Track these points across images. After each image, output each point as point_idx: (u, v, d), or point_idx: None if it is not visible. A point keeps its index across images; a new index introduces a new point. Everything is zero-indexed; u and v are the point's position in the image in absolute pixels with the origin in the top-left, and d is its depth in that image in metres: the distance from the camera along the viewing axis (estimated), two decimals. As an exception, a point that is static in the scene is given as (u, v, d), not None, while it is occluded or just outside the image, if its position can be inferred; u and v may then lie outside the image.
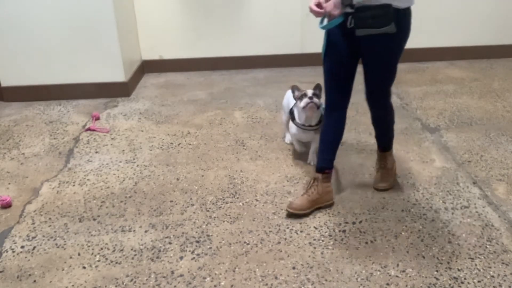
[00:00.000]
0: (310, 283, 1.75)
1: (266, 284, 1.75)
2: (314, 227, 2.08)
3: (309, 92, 2.38)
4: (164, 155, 2.76)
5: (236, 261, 1.88)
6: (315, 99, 2.36)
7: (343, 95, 2.15)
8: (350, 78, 2.10)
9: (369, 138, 2.89)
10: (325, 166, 2.21)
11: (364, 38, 1.87)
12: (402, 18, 1.85)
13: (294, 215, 2.13)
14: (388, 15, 1.77)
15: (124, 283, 1.78)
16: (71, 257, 1.93)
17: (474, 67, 4.24)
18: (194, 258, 1.91)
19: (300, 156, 2.65)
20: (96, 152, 2.83)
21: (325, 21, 1.91)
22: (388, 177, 2.38)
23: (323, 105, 2.29)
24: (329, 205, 2.20)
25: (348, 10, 1.84)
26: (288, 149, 2.79)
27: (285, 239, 2.00)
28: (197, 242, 2.00)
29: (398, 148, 2.76)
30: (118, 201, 2.31)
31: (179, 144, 2.89)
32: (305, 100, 2.35)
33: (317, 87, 2.42)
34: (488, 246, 1.93)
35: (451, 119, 3.16)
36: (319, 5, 1.88)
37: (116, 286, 1.77)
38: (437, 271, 1.80)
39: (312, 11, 1.88)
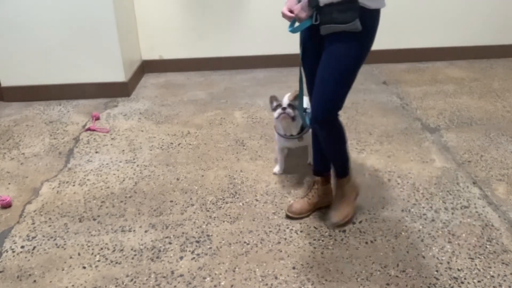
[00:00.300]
0: (310, 283, 1.75)
1: (266, 284, 1.75)
2: (314, 227, 2.08)
3: (284, 102, 2.29)
4: (164, 155, 2.76)
5: (236, 261, 1.88)
6: (289, 110, 2.25)
7: None
8: None
9: (369, 138, 2.90)
10: (321, 169, 2.18)
11: (328, 37, 1.77)
12: (369, 18, 1.74)
13: (294, 218, 2.12)
14: (353, 10, 1.68)
15: (124, 283, 1.78)
16: (71, 257, 1.93)
17: (474, 67, 4.24)
18: (194, 258, 1.91)
19: (299, 156, 2.65)
20: (96, 152, 2.83)
21: (296, 25, 1.82)
22: (341, 209, 2.08)
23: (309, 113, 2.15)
24: (329, 206, 2.19)
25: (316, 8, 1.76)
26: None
27: (285, 239, 2.00)
28: (197, 242, 2.00)
29: (398, 148, 2.77)
30: (118, 201, 2.31)
31: (179, 144, 2.89)
32: (278, 111, 2.27)
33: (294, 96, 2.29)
34: (488, 246, 1.93)
35: (451, 119, 3.16)
36: (291, 10, 1.80)
37: (116, 286, 1.77)
38: (437, 271, 1.80)
39: (284, 16, 1.81)
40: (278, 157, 2.52)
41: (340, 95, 1.85)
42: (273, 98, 2.39)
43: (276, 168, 2.53)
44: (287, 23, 1.84)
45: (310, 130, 2.24)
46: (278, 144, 2.46)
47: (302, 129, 2.35)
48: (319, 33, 1.77)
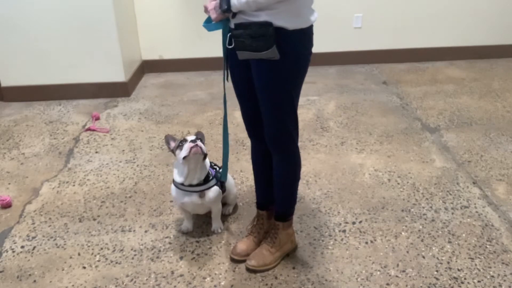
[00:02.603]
0: (310, 283, 1.75)
1: (266, 284, 1.75)
2: (314, 227, 2.08)
3: (190, 137, 1.85)
4: (164, 155, 2.76)
5: (236, 261, 1.88)
6: (201, 143, 1.82)
7: (253, 124, 1.78)
8: (255, 106, 1.67)
9: (369, 138, 2.90)
10: (265, 202, 1.92)
11: (252, 62, 1.55)
12: (288, 42, 1.47)
13: (239, 261, 1.86)
14: (267, 36, 1.43)
15: (124, 283, 1.78)
16: (71, 257, 1.93)
17: (474, 67, 4.24)
18: (194, 258, 1.91)
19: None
20: (96, 152, 2.83)
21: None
22: (263, 255, 1.81)
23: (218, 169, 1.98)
24: (294, 250, 1.92)
25: (229, 24, 1.56)
26: (288, 149, 2.78)
27: (285, 239, 2.00)
28: (197, 242, 2.00)
29: (398, 148, 2.77)
30: (118, 201, 2.31)
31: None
32: (187, 145, 1.80)
33: (198, 134, 1.93)
34: (488, 246, 1.93)
35: (451, 119, 3.16)
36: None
37: (116, 286, 1.77)
38: (437, 271, 1.80)
39: (205, 10, 1.59)
40: (182, 214, 2.08)
41: (286, 127, 1.64)
42: (169, 138, 1.93)
43: (184, 225, 2.06)
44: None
45: (217, 191, 1.94)
46: (175, 201, 1.98)
47: (207, 180, 1.90)
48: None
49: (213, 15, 1.54)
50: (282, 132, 1.65)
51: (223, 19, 1.55)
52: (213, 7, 1.52)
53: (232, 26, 1.53)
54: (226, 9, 1.48)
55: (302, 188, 2.37)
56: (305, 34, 1.53)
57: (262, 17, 1.44)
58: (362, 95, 3.62)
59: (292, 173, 1.77)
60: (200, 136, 1.90)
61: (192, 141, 1.81)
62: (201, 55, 4.30)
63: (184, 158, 1.80)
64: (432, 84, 3.83)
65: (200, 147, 1.80)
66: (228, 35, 1.56)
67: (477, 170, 2.51)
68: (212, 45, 4.36)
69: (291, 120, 1.65)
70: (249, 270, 1.81)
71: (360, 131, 3.01)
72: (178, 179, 1.88)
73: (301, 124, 3.10)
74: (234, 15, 1.50)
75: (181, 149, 1.82)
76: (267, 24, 1.43)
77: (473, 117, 3.18)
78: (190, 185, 1.88)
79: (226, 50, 1.63)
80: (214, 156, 2.72)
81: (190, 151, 1.79)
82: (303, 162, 2.61)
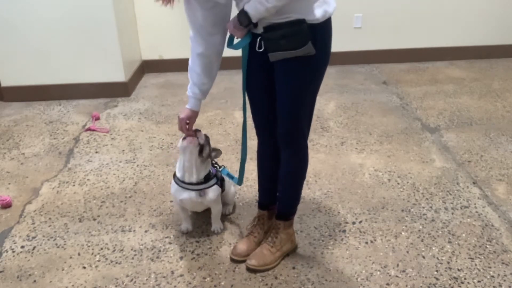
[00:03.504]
0: (310, 283, 1.75)
1: (266, 284, 1.75)
2: (314, 227, 2.08)
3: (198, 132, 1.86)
4: (164, 155, 2.76)
5: (236, 261, 1.88)
6: (200, 134, 1.83)
7: (265, 124, 1.78)
8: (272, 109, 1.68)
9: (369, 138, 2.90)
10: (267, 202, 1.93)
11: (279, 62, 1.55)
12: (321, 35, 1.50)
13: (240, 261, 1.86)
14: (302, 33, 1.45)
15: (124, 283, 1.78)
16: (71, 257, 1.93)
17: (474, 67, 4.24)
18: (194, 258, 1.91)
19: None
20: (96, 152, 2.83)
21: (236, 41, 1.61)
22: (264, 255, 1.81)
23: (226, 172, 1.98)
24: (294, 250, 1.92)
25: (256, 30, 1.54)
26: (288, 149, 2.78)
27: (285, 239, 2.00)
28: (197, 242, 2.00)
29: (398, 148, 2.77)
30: (118, 201, 2.31)
31: (179, 144, 2.89)
32: (184, 138, 1.82)
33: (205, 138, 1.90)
34: (488, 246, 1.93)
35: (451, 119, 3.16)
36: None
37: (116, 286, 1.77)
38: (437, 271, 1.80)
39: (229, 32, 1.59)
40: (181, 213, 2.04)
41: (304, 123, 1.66)
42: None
43: (183, 225, 2.05)
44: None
45: (218, 191, 1.94)
46: (174, 197, 1.96)
47: (208, 179, 1.90)
48: (264, 59, 1.55)
49: (238, 34, 1.54)
50: (298, 127, 1.66)
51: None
52: (233, 26, 1.52)
53: (261, 30, 1.52)
54: (248, 24, 1.48)
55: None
56: (330, 24, 1.55)
57: (294, 15, 1.45)
58: (362, 95, 3.62)
59: (300, 170, 1.78)
60: (208, 138, 1.88)
61: (194, 130, 1.82)
62: (201, 55, 4.30)
63: (182, 148, 1.82)
64: (432, 84, 3.83)
65: (197, 138, 1.81)
66: (258, 39, 1.54)
67: (477, 170, 2.51)
68: (212, 45, 4.38)
69: (309, 115, 1.68)
70: (249, 269, 1.80)
71: (360, 131, 3.01)
72: (177, 173, 1.89)
73: (301, 124, 3.11)
74: (256, 24, 1.50)
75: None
76: (300, 22, 1.44)
77: (473, 117, 3.18)
78: (190, 183, 1.87)
79: (246, 57, 1.63)
80: (214, 156, 2.73)
81: (185, 140, 1.81)
82: (303, 162, 2.63)
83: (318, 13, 1.47)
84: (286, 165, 1.76)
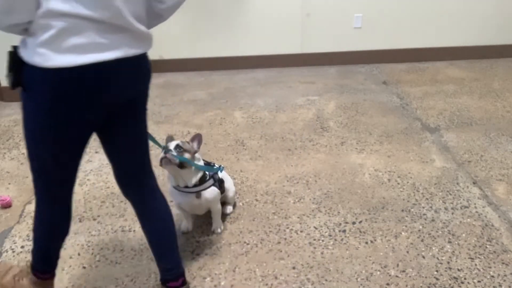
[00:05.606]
0: (310, 283, 1.75)
1: (266, 284, 1.75)
2: (314, 227, 2.08)
3: (171, 145, 1.80)
4: (164, 155, 2.76)
5: (236, 261, 1.88)
6: (170, 154, 1.74)
7: (69, 186, 1.55)
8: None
9: (369, 138, 2.90)
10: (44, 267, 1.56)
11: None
12: (26, 75, 1.31)
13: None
14: (10, 60, 1.34)
15: (124, 283, 1.78)
16: (71, 257, 1.93)
17: (474, 67, 4.24)
18: (194, 258, 1.91)
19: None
20: (96, 152, 2.82)
21: None
22: None
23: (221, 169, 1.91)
24: None
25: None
26: (288, 149, 2.79)
27: (285, 239, 2.00)
28: (197, 242, 2.00)
29: (398, 148, 2.77)
30: (118, 201, 2.31)
31: (179, 144, 2.89)
32: (161, 155, 1.77)
33: (196, 137, 1.87)
34: (488, 246, 1.93)
35: (451, 119, 3.16)
36: None
37: (116, 286, 1.77)
38: (437, 271, 1.80)
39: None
40: (181, 213, 2.06)
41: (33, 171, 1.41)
42: (169, 139, 1.89)
43: (183, 225, 2.06)
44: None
45: (215, 192, 1.91)
46: (175, 203, 1.98)
47: (203, 181, 1.88)
48: None
49: None
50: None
51: None
52: None
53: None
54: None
55: (302, 188, 2.37)
56: (48, 75, 1.29)
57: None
58: (362, 95, 3.62)
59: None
60: (198, 139, 1.85)
61: (165, 151, 1.75)
62: (201, 55, 4.30)
63: (160, 165, 1.78)
64: (432, 84, 3.83)
65: (169, 158, 1.73)
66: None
67: (477, 170, 2.51)
68: (212, 45, 4.38)
69: (39, 179, 1.44)
70: None
71: (360, 131, 3.01)
72: (172, 182, 1.89)
73: (301, 124, 3.11)
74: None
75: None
76: (13, 48, 1.37)
77: (473, 117, 3.18)
78: (186, 186, 1.86)
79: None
80: (214, 156, 2.73)
81: (160, 162, 1.76)
82: (303, 162, 2.63)
83: (23, 50, 1.34)
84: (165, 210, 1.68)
